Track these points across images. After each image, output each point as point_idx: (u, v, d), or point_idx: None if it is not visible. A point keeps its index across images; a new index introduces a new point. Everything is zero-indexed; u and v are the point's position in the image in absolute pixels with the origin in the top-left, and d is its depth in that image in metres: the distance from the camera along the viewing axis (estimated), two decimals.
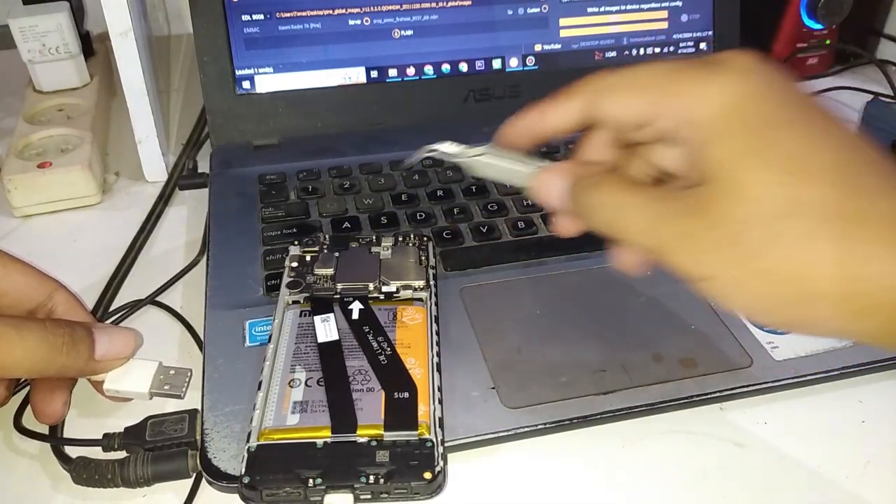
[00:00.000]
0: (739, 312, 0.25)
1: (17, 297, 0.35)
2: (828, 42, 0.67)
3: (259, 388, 0.32)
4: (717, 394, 0.35)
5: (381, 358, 0.33)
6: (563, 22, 0.55)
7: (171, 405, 0.35)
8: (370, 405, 0.31)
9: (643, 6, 0.56)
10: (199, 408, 0.34)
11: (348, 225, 0.45)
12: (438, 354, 0.34)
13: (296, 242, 0.40)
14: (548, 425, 0.33)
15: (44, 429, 0.35)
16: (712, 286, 0.25)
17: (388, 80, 0.54)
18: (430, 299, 0.37)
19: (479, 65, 0.55)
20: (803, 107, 0.26)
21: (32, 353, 0.31)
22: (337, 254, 0.39)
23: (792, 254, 0.23)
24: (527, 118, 0.30)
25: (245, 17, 0.51)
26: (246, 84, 0.52)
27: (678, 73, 0.27)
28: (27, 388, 0.36)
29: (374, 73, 0.54)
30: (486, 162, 0.31)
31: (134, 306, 0.42)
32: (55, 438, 0.34)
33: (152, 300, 0.43)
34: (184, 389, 0.35)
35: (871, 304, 0.23)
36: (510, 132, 0.31)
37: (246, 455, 0.29)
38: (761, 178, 0.24)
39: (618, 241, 0.28)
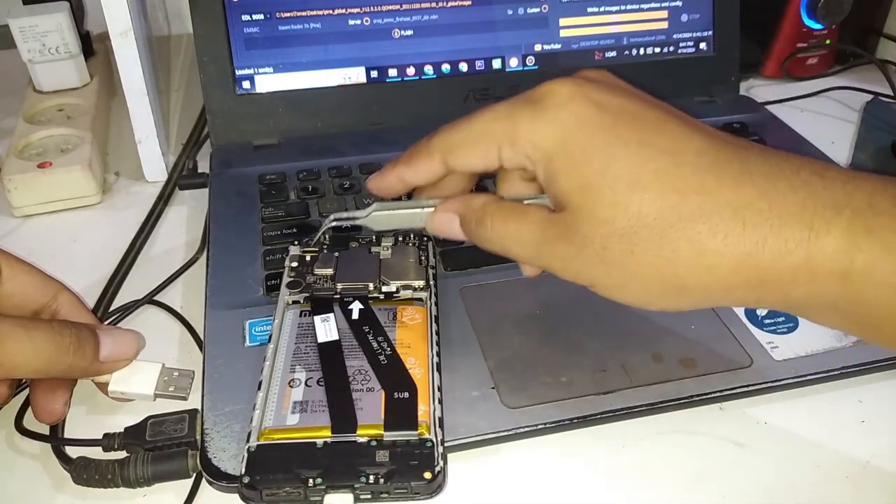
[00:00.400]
0: (628, 304, 0.30)
1: (22, 299, 0.35)
2: (828, 42, 0.67)
3: (259, 388, 0.32)
4: (717, 394, 0.35)
5: (381, 358, 0.33)
6: (563, 22, 0.55)
7: (171, 405, 0.35)
8: (370, 405, 0.31)
9: (643, 6, 0.56)
10: (199, 408, 0.34)
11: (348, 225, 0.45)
12: (438, 354, 0.34)
13: (296, 242, 0.40)
14: (548, 425, 0.33)
15: (44, 429, 0.35)
16: (597, 290, 0.29)
17: (388, 80, 0.54)
18: (430, 299, 0.37)
19: (479, 65, 0.55)
20: (625, 121, 0.28)
21: (40, 354, 0.31)
22: (337, 254, 0.39)
23: (649, 260, 0.27)
24: (395, 172, 0.33)
25: (245, 17, 0.51)
26: (246, 84, 0.52)
27: (509, 119, 0.30)
28: (27, 390, 0.36)
29: (374, 73, 0.54)
30: (382, 215, 0.34)
31: (131, 306, 0.42)
32: (56, 438, 0.34)
33: (150, 299, 0.43)
34: (188, 391, 0.35)
35: (728, 285, 0.27)
36: (381, 185, 0.34)
37: (246, 455, 0.29)
38: (604, 201, 0.27)
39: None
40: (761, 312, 0.38)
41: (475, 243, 0.32)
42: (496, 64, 0.55)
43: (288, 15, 0.52)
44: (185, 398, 0.35)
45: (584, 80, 0.30)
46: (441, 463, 0.29)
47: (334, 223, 0.36)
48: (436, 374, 0.33)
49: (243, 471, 0.29)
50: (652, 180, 0.27)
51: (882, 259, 0.25)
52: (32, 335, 0.31)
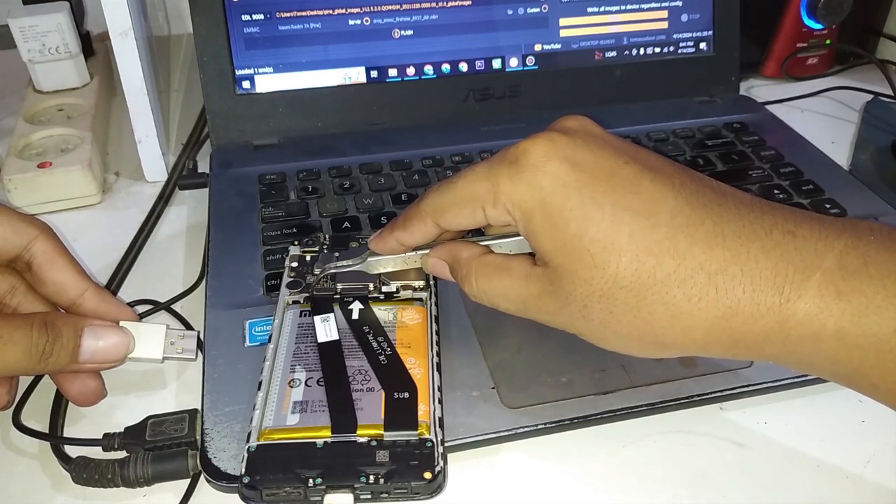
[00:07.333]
0: (612, 351, 0.31)
1: None
2: (828, 42, 0.67)
3: (259, 388, 0.32)
4: (717, 394, 0.35)
5: (381, 358, 0.33)
6: (563, 22, 0.55)
7: (171, 402, 0.35)
8: (370, 405, 0.31)
9: (643, 6, 0.56)
10: (199, 408, 0.34)
11: (348, 225, 0.45)
12: (438, 354, 0.34)
13: (296, 242, 0.40)
14: (548, 425, 0.33)
15: (44, 427, 0.35)
16: (584, 339, 0.30)
17: (388, 80, 0.54)
18: (430, 299, 0.37)
19: (479, 65, 0.55)
20: (600, 181, 0.29)
21: (8, 360, 0.31)
22: (337, 254, 0.39)
23: (628, 320, 0.28)
24: (393, 236, 0.34)
25: (245, 17, 0.51)
26: (246, 84, 0.52)
27: (489, 181, 0.30)
28: (27, 387, 0.36)
29: (374, 73, 0.54)
30: (376, 260, 0.35)
31: (151, 312, 0.42)
32: (55, 437, 0.34)
33: (167, 307, 0.43)
34: (195, 351, 0.36)
35: (704, 344, 0.28)
36: (384, 248, 0.35)
37: (246, 455, 0.29)
38: (584, 263, 0.28)
39: None
40: None
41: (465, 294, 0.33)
42: (496, 64, 0.55)
43: (288, 15, 0.52)
44: (193, 359, 0.36)
45: (561, 133, 0.30)
46: (441, 463, 0.29)
47: (329, 272, 0.37)
48: (436, 374, 0.33)
49: (243, 471, 0.29)
50: (628, 243, 0.28)
51: (852, 322, 0.26)
52: (8, 342, 0.30)
